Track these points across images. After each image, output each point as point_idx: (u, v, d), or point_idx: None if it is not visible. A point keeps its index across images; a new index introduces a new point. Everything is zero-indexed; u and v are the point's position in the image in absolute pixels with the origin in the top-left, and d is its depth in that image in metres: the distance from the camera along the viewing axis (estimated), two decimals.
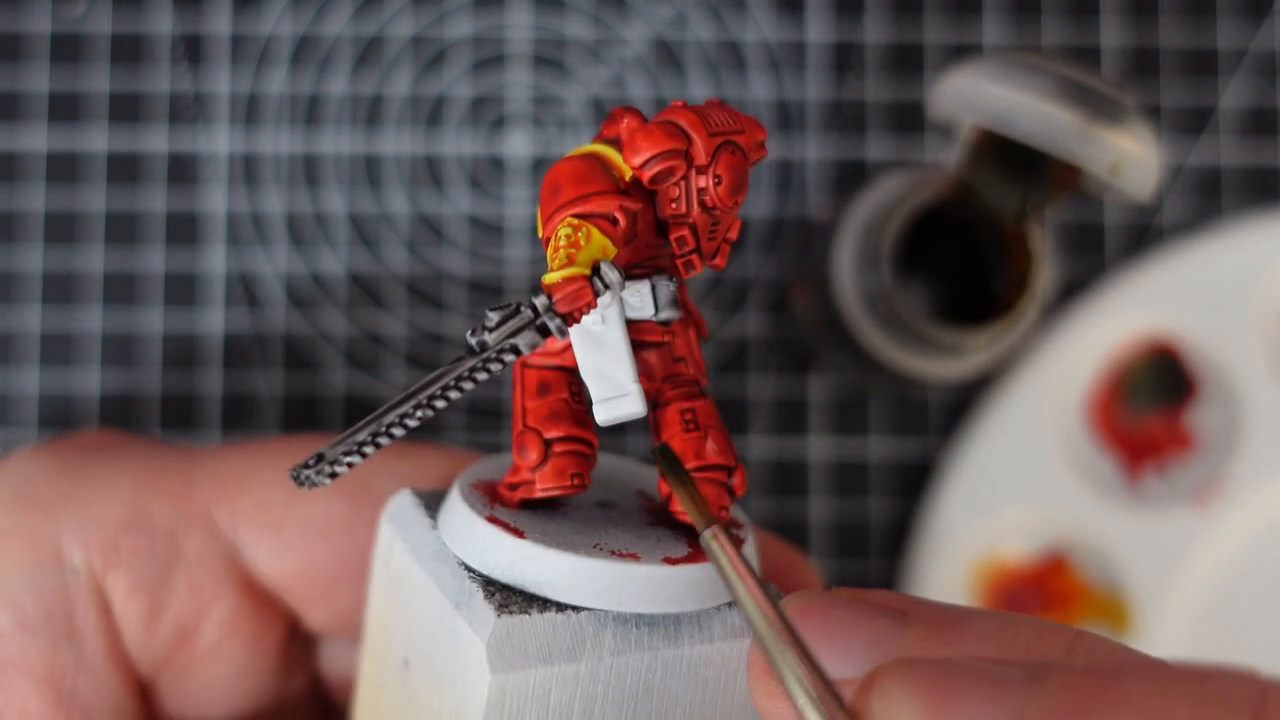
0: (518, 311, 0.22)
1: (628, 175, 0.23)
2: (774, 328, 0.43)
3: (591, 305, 0.22)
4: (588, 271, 0.22)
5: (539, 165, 0.43)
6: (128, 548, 0.29)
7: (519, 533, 0.23)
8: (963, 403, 0.43)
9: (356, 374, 0.42)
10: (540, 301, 0.22)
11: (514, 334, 0.22)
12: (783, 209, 0.43)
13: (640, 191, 0.23)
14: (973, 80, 0.32)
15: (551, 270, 0.22)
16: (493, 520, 0.23)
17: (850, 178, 0.43)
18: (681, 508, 0.23)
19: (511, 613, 0.22)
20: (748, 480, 0.40)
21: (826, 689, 0.19)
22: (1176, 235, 0.43)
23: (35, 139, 0.43)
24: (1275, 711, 0.18)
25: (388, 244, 0.43)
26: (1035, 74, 0.31)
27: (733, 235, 0.24)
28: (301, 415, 0.42)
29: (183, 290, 0.42)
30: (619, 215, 0.22)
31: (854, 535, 0.42)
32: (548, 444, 0.23)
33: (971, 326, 0.35)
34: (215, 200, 0.43)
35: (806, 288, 0.39)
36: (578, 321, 0.22)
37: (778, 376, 0.43)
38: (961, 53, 0.44)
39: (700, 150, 0.22)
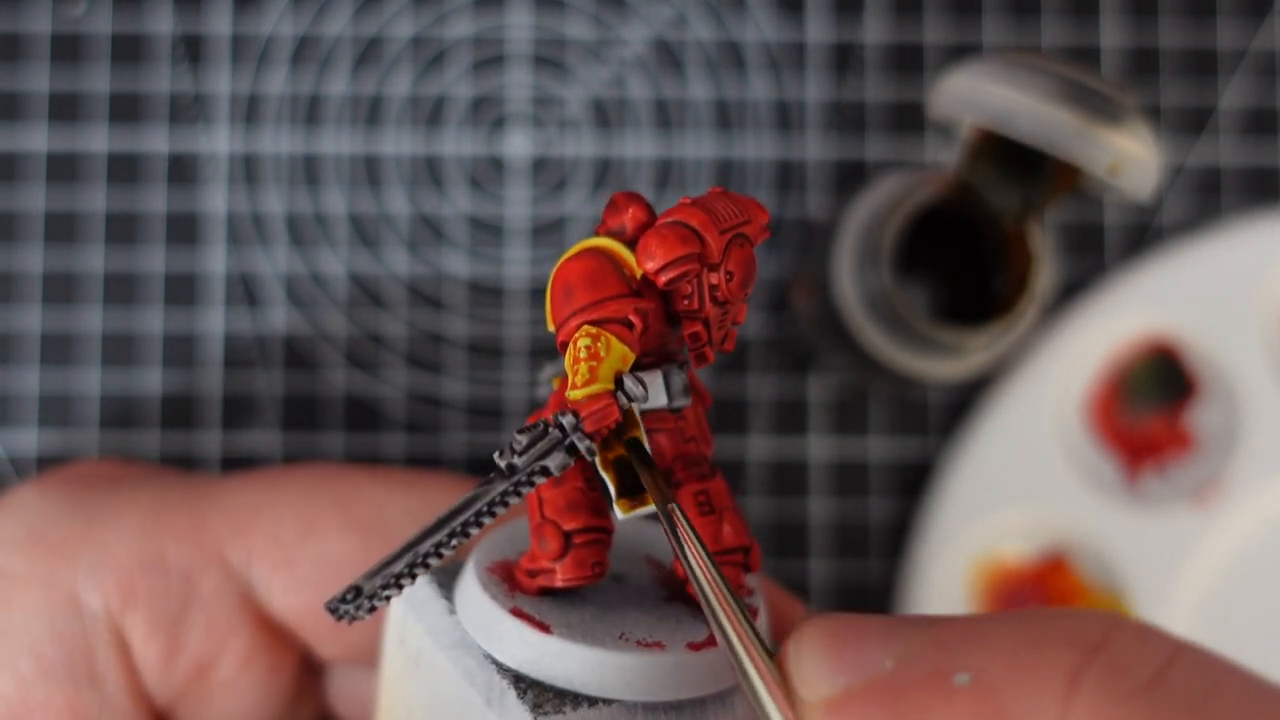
0: (546, 432, 0.22)
1: (639, 272, 0.23)
2: (774, 328, 0.43)
3: (618, 421, 0.22)
4: (612, 387, 0.22)
5: (539, 165, 0.43)
6: (144, 589, 0.30)
7: (545, 628, 0.23)
8: (963, 403, 0.43)
9: (356, 374, 0.42)
10: (567, 421, 0.22)
11: (543, 455, 0.22)
12: (783, 209, 0.43)
13: (652, 289, 0.23)
14: (973, 80, 0.32)
15: (574, 386, 0.22)
16: (517, 613, 0.23)
17: (850, 178, 0.43)
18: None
19: (546, 714, 0.22)
20: (753, 482, 0.40)
21: (757, 641, 0.21)
22: (1176, 235, 0.43)
23: (35, 139, 0.43)
24: (1109, 653, 0.19)
25: (388, 244, 0.43)
26: (1035, 74, 0.31)
27: (740, 319, 0.24)
28: (301, 415, 0.42)
29: (183, 290, 0.42)
30: (634, 319, 0.22)
31: (854, 535, 0.42)
32: (567, 536, 0.24)
33: (971, 326, 0.35)
34: (215, 200, 0.43)
35: (806, 288, 0.39)
36: (604, 437, 0.22)
37: (778, 376, 0.43)
38: (961, 53, 0.44)
39: (713, 250, 0.22)
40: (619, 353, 0.22)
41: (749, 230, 0.23)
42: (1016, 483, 0.42)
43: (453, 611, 0.24)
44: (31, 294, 0.42)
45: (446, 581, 0.25)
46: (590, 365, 0.22)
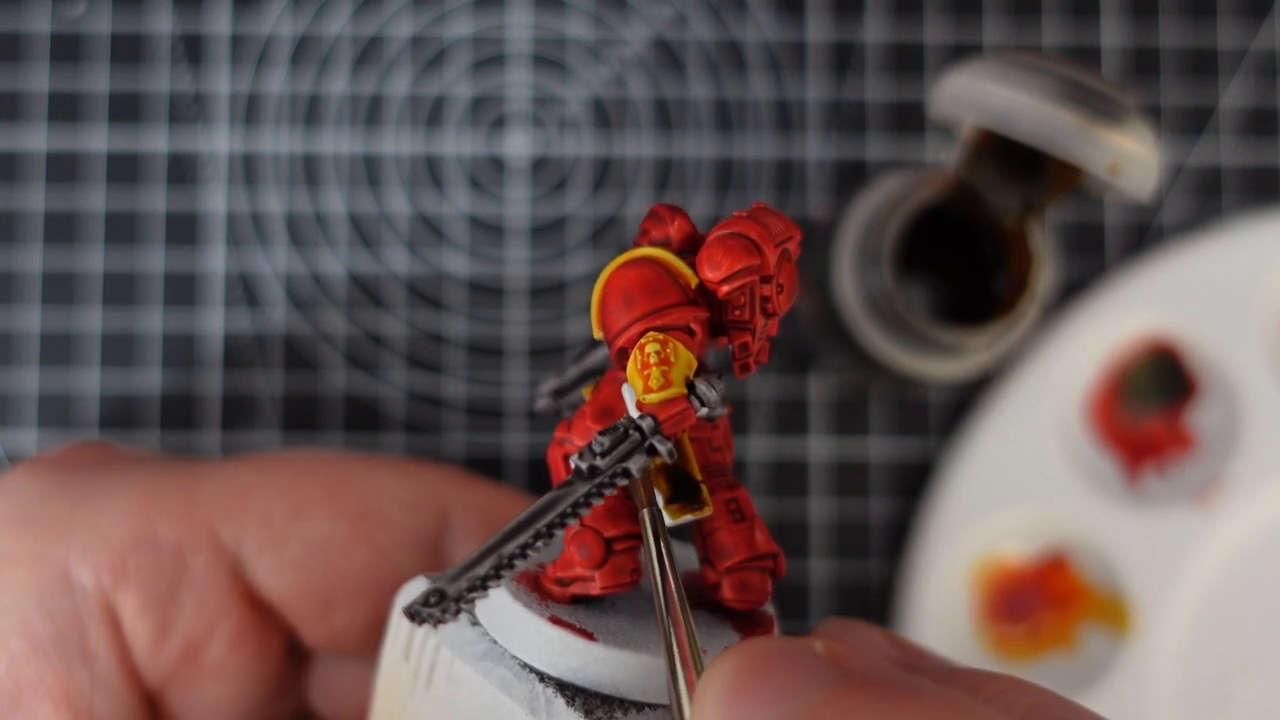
0: (626, 435, 0.22)
1: (693, 283, 0.23)
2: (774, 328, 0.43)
3: (694, 424, 0.22)
4: (685, 391, 0.22)
5: (539, 165, 0.43)
6: (136, 566, 0.30)
7: (589, 635, 0.23)
8: (963, 403, 0.43)
9: (356, 374, 0.42)
10: (647, 424, 0.22)
11: (625, 458, 0.22)
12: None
13: (705, 299, 0.23)
14: (973, 80, 0.32)
15: (649, 390, 0.22)
16: (556, 621, 0.23)
17: (850, 178, 0.43)
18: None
19: (599, 719, 0.22)
20: (753, 482, 0.41)
21: (694, 654, 0.21)
22: (1176, 235, 0.43)
23: (35, 139, 0.43)
24: None
25: (388, 244, 0.43)
26: (1035, 74, 0.31)
27: (773, 331, 0.24)
28: (301, 415, 0.42)
29: (183, 290, 0.42)
30: (695, 327, 0.23)
31: (854, 535, 0.42)
32: (609, 542, 0.23)
33: (971, 326, 0.35)
34: (215, 200, 0.43)
35: (806, 288, 0.39)
36: (680, 440, 0.22)
37: (778, 376, 0.43)
38: (961, 53, 0.44)
39: (770, 262, 0.23)
40: (686, 358, 0.22)
41: (792, 246, 0.24)
42: (1016, 483, 0.42)
43: (475, 622, 0.24)
44: (31, 294, 0.42)
45: None
46: (663, 370, 0.22)
